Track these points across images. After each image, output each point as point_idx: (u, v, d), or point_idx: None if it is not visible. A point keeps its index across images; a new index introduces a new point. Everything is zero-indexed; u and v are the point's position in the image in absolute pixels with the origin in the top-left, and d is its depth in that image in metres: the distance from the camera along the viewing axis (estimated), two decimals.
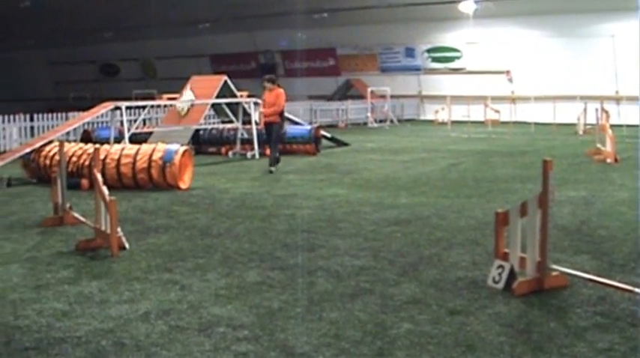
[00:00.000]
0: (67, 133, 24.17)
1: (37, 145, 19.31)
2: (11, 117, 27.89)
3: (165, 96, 32.22)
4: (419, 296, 8.12)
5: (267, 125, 19.91)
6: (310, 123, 31.54)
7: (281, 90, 19.97)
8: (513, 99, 41.12)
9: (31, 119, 28.63)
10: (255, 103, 24.94)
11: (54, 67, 66.33)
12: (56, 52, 63.18)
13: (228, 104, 24.94)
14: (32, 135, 27.53)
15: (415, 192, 15.55)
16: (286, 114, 23.72)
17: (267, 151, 22.15)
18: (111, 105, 22.11)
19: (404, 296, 8.13)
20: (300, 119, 30.12)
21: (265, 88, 19.98)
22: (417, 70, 45.91)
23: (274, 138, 19.85)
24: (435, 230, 11.66)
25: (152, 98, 39.86)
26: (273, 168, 19.20)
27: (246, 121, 24.41)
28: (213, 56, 54.74)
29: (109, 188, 11.40)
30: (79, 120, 23.43)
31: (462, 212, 13.22)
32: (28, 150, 19.35)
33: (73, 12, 47.74)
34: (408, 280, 8.79)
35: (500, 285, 8.33)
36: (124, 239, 10.89)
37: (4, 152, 24.42)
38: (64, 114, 29.23)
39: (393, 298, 8.04)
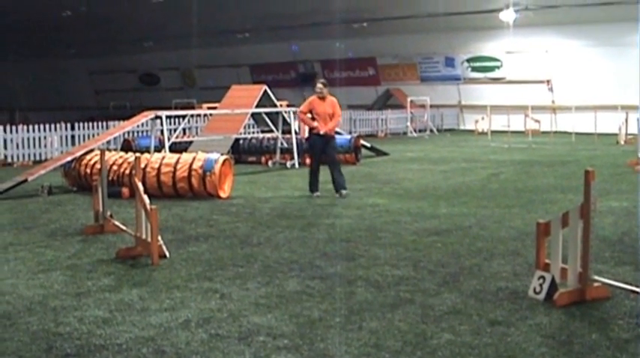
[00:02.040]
0: (108, 142, 24.34)
1: (78, 154, 19.47)
2: (52, 126, 28.23)
3: (205, 105, 32.33)
4: (459, 306, 8.09)
5: (323, 137, 16.99)
6: (350, 133, 31.57)
7: (335, 99, 17.44)
8: (554, 109, 40.92)
9: (72, 128, 28.95)
10: (294, 113, 25.02)
11: (94, 76, 66.92)
12: (97, 61, 63.72)
13: (267, 113, 24.99)
14: (73, 143, 27.84)
15: (455, 202, 15.50)
16: None
17: (307, 161, 22.08)
18: (151, 114, 22.24)
19: (444, 306, 8.10)
20: (340, 128, 30.19)
21: (318, 93, 17.13)
22: (456, 79, 45.81)
23: (335, 155, 17.57)
24: (475, 240, 11.61)
25: (192, 107, 40.07)
26: (345, 191, 16.87)
27: (286, 131, 24.45)
28: (252, 66, 54.97)
29: (150, 196, 11.49)
30: (120, 129, 23.61)
31: (503, 222, 13.15)
32: (69, 158, 19.50)
33: (114, 21, 48.11)
34: (448, 290, 8.76)
35: (542, 296, 8.28)
36: (164, 247, 10.96)
37: (46, 160, 24.65)
38: (104, 123, 29.56)
39: (433, 308, 8.02)
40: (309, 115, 17.01)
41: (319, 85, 17.16)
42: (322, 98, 17.05)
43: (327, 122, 16.91)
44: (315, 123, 16.87)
